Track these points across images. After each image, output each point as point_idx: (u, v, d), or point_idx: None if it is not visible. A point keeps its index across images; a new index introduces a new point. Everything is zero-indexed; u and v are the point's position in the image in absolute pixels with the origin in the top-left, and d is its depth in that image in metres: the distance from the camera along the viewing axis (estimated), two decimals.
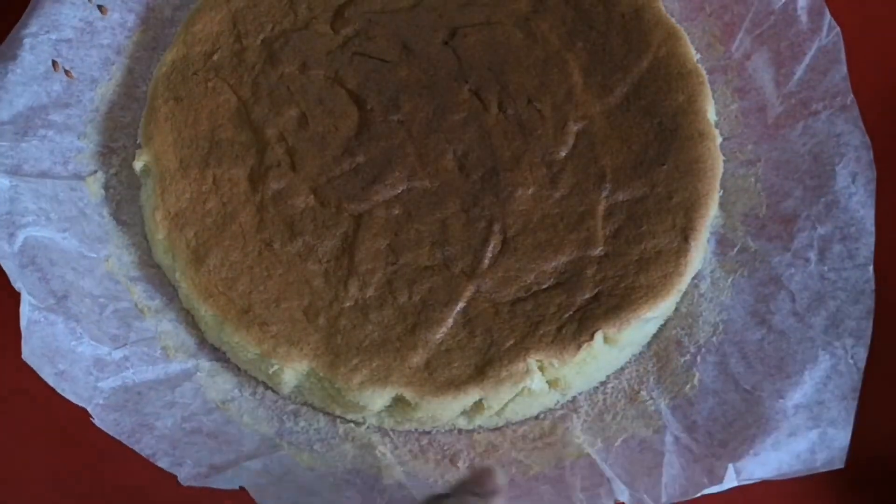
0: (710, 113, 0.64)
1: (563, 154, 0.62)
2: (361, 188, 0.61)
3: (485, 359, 0.58)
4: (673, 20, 0.66)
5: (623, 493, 0.55)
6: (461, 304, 0.59)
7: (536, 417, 0.60)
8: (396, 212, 0.61)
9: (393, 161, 0.62)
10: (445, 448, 0.59)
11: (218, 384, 0.59)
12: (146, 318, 0.60)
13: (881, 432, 0.60)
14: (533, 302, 0.59)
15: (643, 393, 0.60)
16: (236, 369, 0.60)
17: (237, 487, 0.54)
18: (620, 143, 0.63)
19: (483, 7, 0.65)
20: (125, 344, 0.58)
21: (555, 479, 0.56)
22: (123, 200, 0.63)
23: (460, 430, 0.60)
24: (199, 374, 0.59)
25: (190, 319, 0.61)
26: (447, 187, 0.61)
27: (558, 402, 0.60)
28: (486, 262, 0.60)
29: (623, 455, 0.57)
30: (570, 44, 0.65)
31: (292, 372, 0.58)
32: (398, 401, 0.58)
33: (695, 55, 0.66)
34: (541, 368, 0.58)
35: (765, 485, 0.56)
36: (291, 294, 0.59)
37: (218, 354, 0.60)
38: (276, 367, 0.58)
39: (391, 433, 0.59)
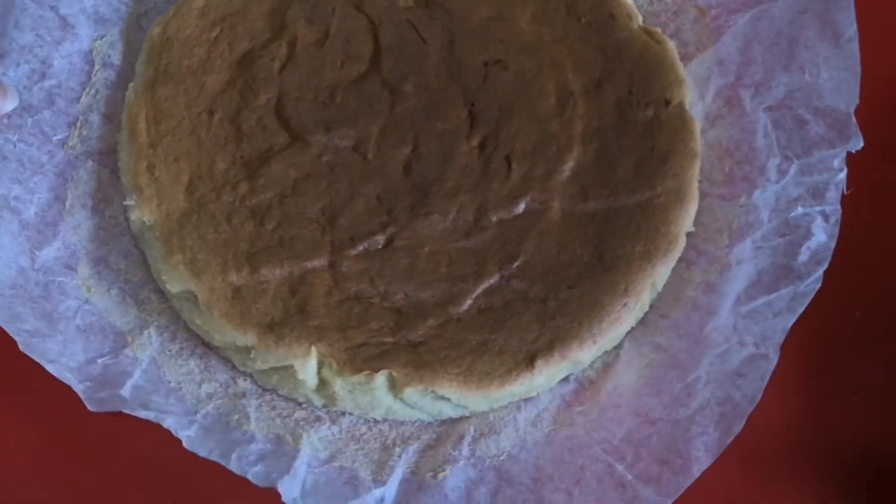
0: (658, 284, 0.61)
1: (494, 219, 0.61)
2: (315, 122, 0.62)
3: (284, 319, 0.58)
4: (698, 187, 0.62)
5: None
6: (308, 266, 0.59)
7: (300, 404, 0.59)
8: (327, 159, 0.61)
9: (359, 120, 0.62)
10: (208, 368, 0.60)
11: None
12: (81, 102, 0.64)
13: (880, 432, 0.60)
14: (361, 308, 0.58)
15: (397, 449, 0.58)
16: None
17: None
18: (554, 246, 0.60)
19: (545, 61, 0.64)
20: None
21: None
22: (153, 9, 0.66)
23: (234, 367, 0.60)
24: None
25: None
26: (382, 172, 0.61)
27: (324, 405, 0.59)
28: (358, 249, 0.60)
29: (327, 472, 0.56)
30: (588, 138, 0.63)
31: (139, 215, 0.60)
32: (193, 297, 0.59)
33: (690, 227, 0.62)
34: (321, 363, 0.58)
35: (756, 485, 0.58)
36: (192, 160, 0.61)
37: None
38: (132, 204, 0.60)
39: (180, 332, 0.61)
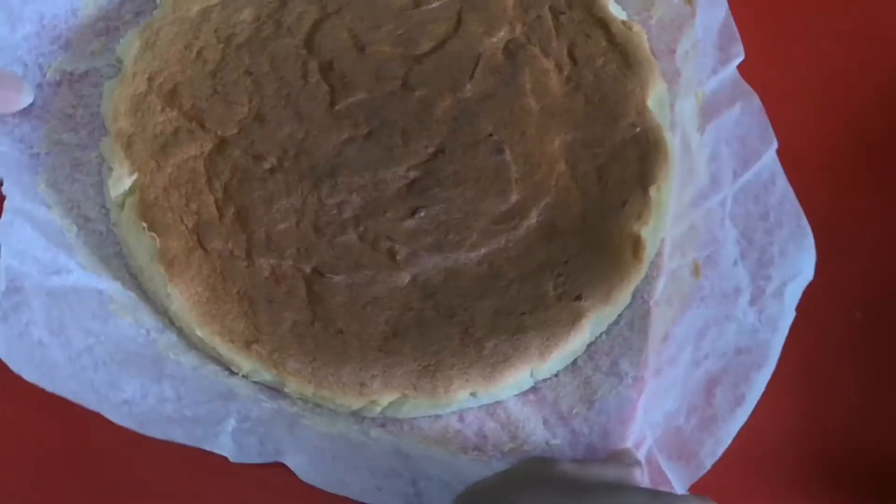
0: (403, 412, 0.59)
1: (356, 235, 0.60)
2: (329, 50, 0.64)
3: (145, 142, 0.61)
4: (520, 384, 0.59)
5: None
6: (207, 127, 0.62)
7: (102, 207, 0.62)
8: (309, 79, 0.63)
9: (358, 79, 0.63)
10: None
11: None
12: None
13: (880, 432, 0.61)
14: (199, 188, 0.60)
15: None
16: None
17: None
18: (366, 298, 0.59)
19: (535, 179, 0.62)
20: None
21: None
22: None
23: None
24: None
25: None
26: (327, 125, 0.62)
27: (113, 223, 0.61)
28: (248, 155, 0.61)
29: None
30: (493, 258, 0.60)
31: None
32: (118, 68, 0.63)
33: (482, 401, 0.58)
34: (133, 189, 0.60)
35: (757, 485, 0.60)
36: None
37: None
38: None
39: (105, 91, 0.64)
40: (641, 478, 0.56)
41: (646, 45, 0.65)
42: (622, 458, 0.57)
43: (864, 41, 0.69)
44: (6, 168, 0.59)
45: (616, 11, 0.66)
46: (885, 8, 0.71)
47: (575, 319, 0.59)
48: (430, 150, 0.62)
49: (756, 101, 0.63)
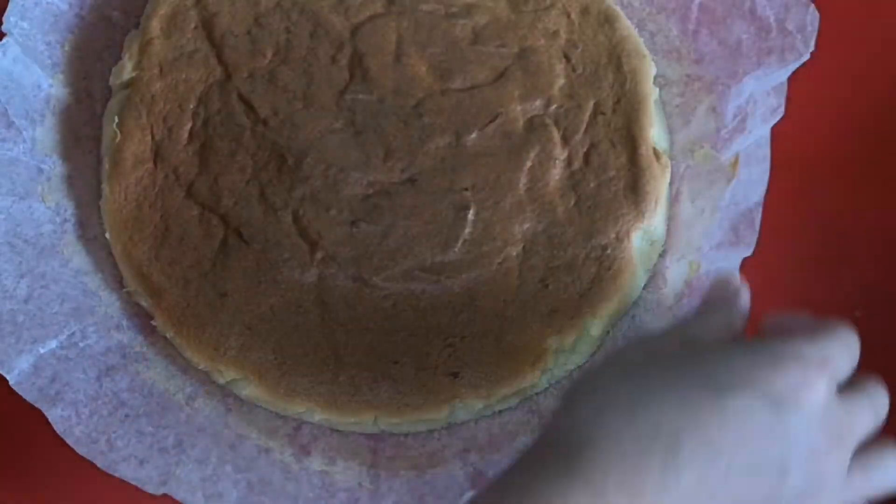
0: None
1: (290, 218, 0.61)
2: (374, 44, 0.64)
3: (155, 48, 0.63)
4: None
5: None
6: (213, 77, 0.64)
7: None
8: (340, 62, 0.64)
9: (380, 75, 0.63)
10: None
11: None
12: None
13: (882, 432, 0.61)
14: (182, 110, 0.63)
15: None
16: None
17: None
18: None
19: (485, 246, 0.61)
20: None
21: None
22: None
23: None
24: None
25: None
26: (324, 101, 0.62)
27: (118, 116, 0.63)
28: (248, 79, 0.63)
29: None
30: (403, 300, 0.59)
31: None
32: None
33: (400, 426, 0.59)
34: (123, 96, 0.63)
35: None
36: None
37: None
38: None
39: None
40: (748, 301, 0.50)
41: (664, 182, 0.62)
42: (722, 287, 0.50)
43: (866, 40, 0.68)
44: (29, 23, 0.62)
45: (659, 137, 0.64)
46: (889, 7, 0.69)
47: (437, 392, 0.58)
48: (405, 175, 0.62)
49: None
